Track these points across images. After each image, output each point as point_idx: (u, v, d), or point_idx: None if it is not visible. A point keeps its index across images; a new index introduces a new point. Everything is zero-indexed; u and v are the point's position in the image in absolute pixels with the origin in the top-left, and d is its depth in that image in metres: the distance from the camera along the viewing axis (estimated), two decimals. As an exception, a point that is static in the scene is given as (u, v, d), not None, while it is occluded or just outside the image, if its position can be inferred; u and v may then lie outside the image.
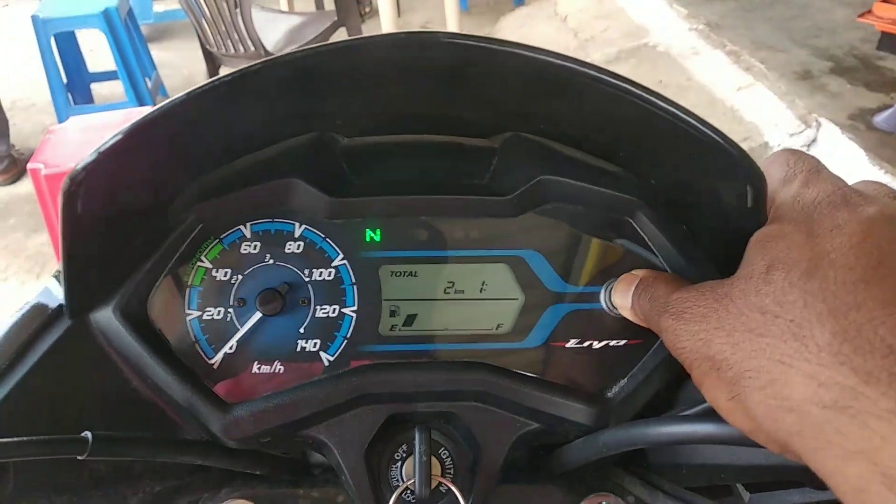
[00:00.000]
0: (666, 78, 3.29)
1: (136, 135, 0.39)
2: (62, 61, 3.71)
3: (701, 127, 0.40)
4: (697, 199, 0.49)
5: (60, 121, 3.49)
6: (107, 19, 3.44)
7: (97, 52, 4.16)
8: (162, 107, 0.39)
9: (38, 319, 0.47)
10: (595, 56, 3.48)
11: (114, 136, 0.38)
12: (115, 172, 0.41)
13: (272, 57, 0.40)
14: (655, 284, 0.44)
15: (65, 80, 3.70)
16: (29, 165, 2.30)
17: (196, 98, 0.39)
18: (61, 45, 3.70)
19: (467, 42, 0.41)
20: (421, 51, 0.42)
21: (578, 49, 3.64)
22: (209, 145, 0.48)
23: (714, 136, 0.39)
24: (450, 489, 0.49)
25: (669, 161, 0.48)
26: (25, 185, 3.09)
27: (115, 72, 3.64)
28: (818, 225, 0.34)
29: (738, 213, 0.41)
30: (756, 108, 2.98)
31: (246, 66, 0.40)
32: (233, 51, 3.07)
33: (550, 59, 0.41)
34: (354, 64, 0.43)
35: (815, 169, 0.39)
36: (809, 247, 0.34)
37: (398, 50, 0.42)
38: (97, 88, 4.13)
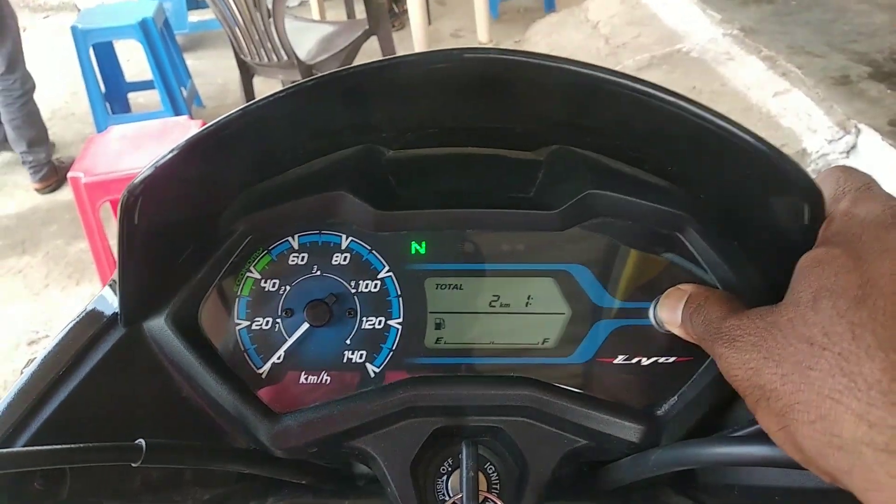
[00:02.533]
0: (700, 84, 3.25)
1: (192, 150, 0.40)
2: (100, 71, 3.81)
3: (753, 141, 0.39)
4: (749, 214, 0.48)
5: (99, 130, 3.58)
6: (143, 29, 3.51)
7: (134, 61, 4.26)
8: (217, 123, 0.40)
9: (94, 327, 0.48)
10: (627, 62, 3.45)
11: (171, 151, 0.39)
12: (170, 185, 0.42)
13: (324, 74, 0.41)
14: (708, 305, 0.42)
15: (103, 90, 3.79)
16: (69, 174, 2.36)
17: (251, 114, 0.40)
18: (99, 55, 3.79)
19: (516, 59, 0.41)
20: (468, 67, 0.42)
21: (610, 55, 3.61)
22: (259, 158, 0.49)
23: (768, 150, 0.39)
24: (497, 504, 0.48)
25: (720, 176, 0.47)
26: (66, 193, 3.17)
27: (151, 81, 3.71)
28: (867, 248, 0.33)
29: (793, 230, 0.40)
30: (793, 114, 2.92)
31: (299, 82, 0.40)
32: (266, 60, 3.12)
33: (598, 73, 0.40)
34: (403, 78, 0.44)
35: (867, 186, 0.37)
36: (858, 273, 0.32)
37: (447, 66, 0.42)
38: (134, 97, 4.22)
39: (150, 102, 4.08)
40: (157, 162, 0.39)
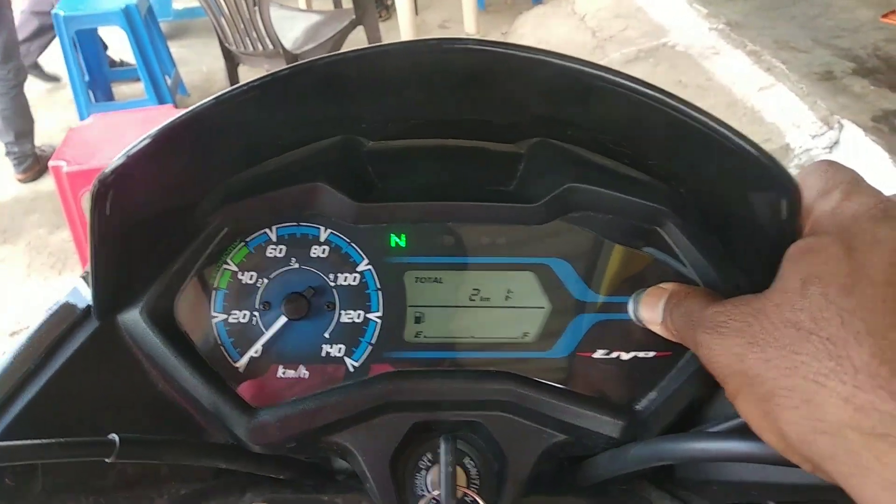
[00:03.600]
0: (685, 78, 3.26)
1: (165, 138, 0.39)
2: (83, 59, 3.75)
3: (733, 137, 0.39)
4: (729, 209, 0.48)
5: (82, 118, 3.53)
6: (127, 16, 3.46)
7: (117, 49, 4.20)
8: (191, 111, 0.39)
9: (67, 320, 0.47)
10: (613, 55, 3.45)
11: (142, 140, 0.38)
12: (143, 175, 0.41)
13: (301, 63, 0.40)
14: (688, 299, 0.43)
15: (86, 78, 3.74)
16: (51, 163, 2.32)
17: (225, 102, 0.39)
18: (82, 43, 3.73)
19: (496, 50, 0.40)
20: (448, 58, 0.42)
21: (597, 48, 3.61)
22: (236, 148, 0.48)
23: (746, 146, 0.39)
24: (475, 500, 0.48)
25: (700, 170, 0.47)
26: (48, 183, 3.14)
27: (135, 69, 3.66)
28: (857, 239, 0.33)
29: (772, 224, 0.40)
30: (777, 109, 2.94)
31: (275, 70, 0.40)
32: (251, 49, 3.09)
33: (580, 66, 0.40)
34: (382, 68, 0.43)
35: (855, 181, 0.37)
36: (847, 262, 0.32)
37: (426, 56, 0.42)
38: (118, 86, 4.17)
39: (133, 91, 4.03)
40: (128, 150, 0.39)
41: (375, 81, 0.45)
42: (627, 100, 0.40)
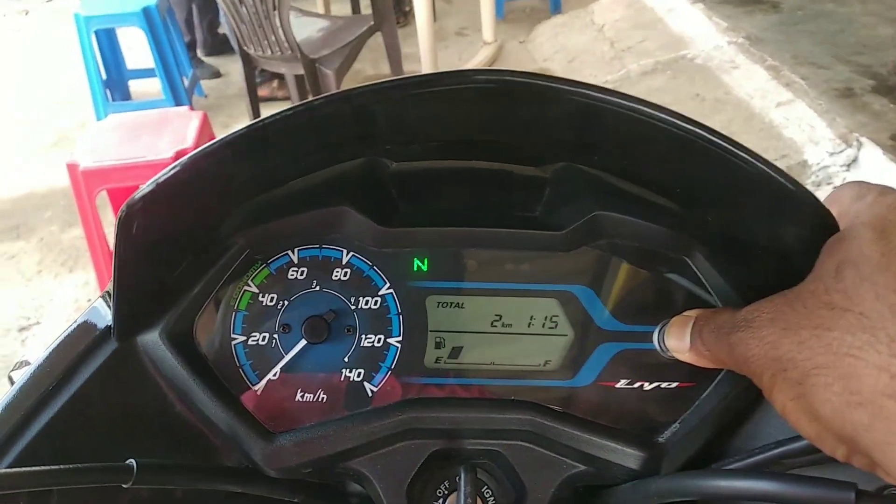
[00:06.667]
0: (703, 91, 3.24)
1: (195, 166, 0.39)
2: (102, 58, 3.78)
3: (762, 167, 0.39)
4: (757, 239, 0.47)
5: (99, 117, 3.56)
6: (147, 17, 3.49)
7: (135, 49, 4.23)
8: (222, 140, 0.39)
9: (86, 340, 0.46)
10: (631, 67, 3.44)
11: (173, 167, 0.38)
12: (170, 201, 0.41)
13: (330, 94, 0.40)
14: (717, 316, 0.42)
15: (104, 77, 3.76)
16: (67, 160, 2.34)
17: (256, 132, 0.39)
18: (101, 43, 3.77)
19: (525, 80, 0.40)
20: (475, 87, 0.41)
21: (615, 59, 3.60)
22: (260, 172, 0.47)
23: (776, 175, 0.38)
24: (493, 531, 0.47)
25: (728, 200, 0.46)
26: (62, 179, 3.17)
27: (152, 69, 3.69)
28: (892, 224, 0.34)
29: (801, 254, 0.40)
30: (795, 124, 2.91)
31: (306, 101, 0.39)
32: (269, 52, 3.10)
33: (608, 97, 0.40)
34: (415, 97, 0.42)
35: (889, 188, 0.38)
36: (881, 243, 0.33)
37: (461, 90, 0.41)
38: (135, 85, 4.19)
39: (150, 91, 4.06)
40: (158, 178, 0.38)
41: (402, 105, 0.44)
42: (656, 129, 0.40)
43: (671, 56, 3.50)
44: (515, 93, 0.41)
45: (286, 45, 3.01)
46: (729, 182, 0.43)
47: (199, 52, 4.46)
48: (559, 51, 4.02)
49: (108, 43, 3.89)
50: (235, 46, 3.30)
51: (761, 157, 0.39)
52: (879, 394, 0.30)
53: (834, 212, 0.38)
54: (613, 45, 3.75)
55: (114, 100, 3.92)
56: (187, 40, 4.23)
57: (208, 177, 0.41)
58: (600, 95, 0.40)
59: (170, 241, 0.44)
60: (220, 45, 4.45)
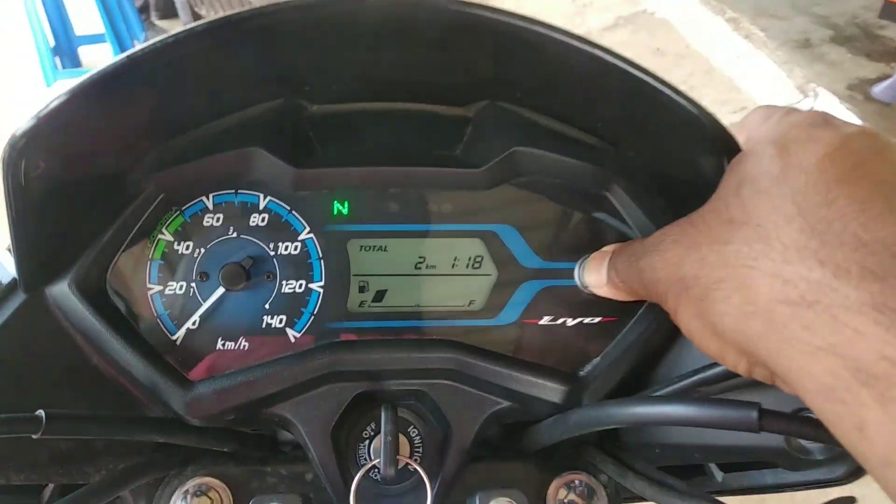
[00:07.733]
0: (664, 45, 3.23)
1: (80, 97, 0.37)
2: (49, 24, 3.63)
3: (677, 98, 0.38)
4: (674, 171, 0.47)
5: (48, 85, 3.43)
6: (93, -20, 3.35)
7: (85, 14, 4.07)
8: (103, 68, 0.37)
9: None
10: (592, 23, 3.41)
11: (54, 99, 0.36)
12: (59, 139, 0.39)
13: (240, 11, 0.37)
14: (629, 246, 0.43)
15: (52, 44, 3.62)
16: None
17: (137, 59, 0.37)
18: (48, 8, 3.61)
19: (448, 5, 0.39)
20: (398, 12, 0.40)
21: (576, 15, 3.56)
22: (169, 110, 0.45)
23: (688, 104, 0.38)
24: (416, 469, 0.48)
25: (648, 133, 0.46)
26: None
27: (103, 35, 3.55)
28: (792, 140, 0.34)
29: (712, 178, 0.40)
30: (754, 76, 2.93)
31: (210, 19, 0.37)
32: (221, 11, 3.00)
33: (527, 25, 0.39)
34: (327, 20, 0.40)
35: (795, 107, 0.38)
36: (781, 159, 0.33)
37: (377, 10, 0.39)
38: (85, 53, 4.04)
39: (101, 58, 3.91)
40: (39, 112, 0.36)
41: (319, 37, 0.42)
42: (576, 61, 0.39)
43: (632, 11, 3.47)
44: (422, 19, 0.39)
45: (237, 2, 2.92)
46: (646, 113, 0.42)
47: (153, 16, 4.32)
48: (519, 7, 3.96)
49: (55, 8, 3.73)
50: (187, 9, 3.19)
51: (675, 87, 0.38)
52: (772, 300, 0.30)
53: (744, 135, 0.38)
54: (575, 0, 3.71)
55: (63, 67, 3.78)
56: (139, 4, 4.09)
57: (97, 110, 0.39)
58: (518, 23, 0.39)
59: (70, 187, 0.42)
60: (173, 8, 4.30)
